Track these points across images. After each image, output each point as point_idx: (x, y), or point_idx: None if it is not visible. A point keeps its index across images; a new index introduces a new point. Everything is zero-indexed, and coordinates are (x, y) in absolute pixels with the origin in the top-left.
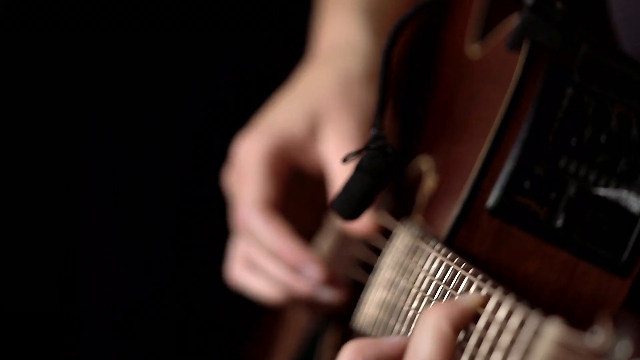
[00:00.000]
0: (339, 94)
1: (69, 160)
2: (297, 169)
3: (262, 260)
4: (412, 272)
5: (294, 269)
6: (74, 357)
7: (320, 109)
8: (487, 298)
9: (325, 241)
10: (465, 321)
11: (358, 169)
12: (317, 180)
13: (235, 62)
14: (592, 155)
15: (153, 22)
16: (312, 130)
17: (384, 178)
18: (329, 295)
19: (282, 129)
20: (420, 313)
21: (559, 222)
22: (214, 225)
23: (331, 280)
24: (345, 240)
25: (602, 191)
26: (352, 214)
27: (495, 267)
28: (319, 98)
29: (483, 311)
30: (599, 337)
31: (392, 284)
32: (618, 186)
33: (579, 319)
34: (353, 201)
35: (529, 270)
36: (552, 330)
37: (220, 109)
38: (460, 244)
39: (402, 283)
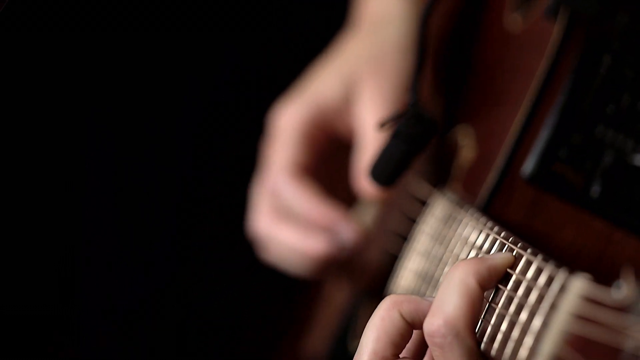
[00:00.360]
0: (375, 59)
1: (69, 160)
2: (335, 136)
3: (288, 230)
4: (449, 240)
5: (327, 230)
6: (74, 357)
7: (356, 74)
8: (516, 259)
9: (367, 211)
10: (493, 279)
11: (394, 136)
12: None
13: (235, 62)
14: (629, 124)
15: (153, 22)
16: (348, 96)
17: (420, 144)
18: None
19: (319, 97)
20: None
21: (595, 191)
22: (214, 226)
23: (363, 237)
24: (385, 214)
25: (638, 160)
26: (388, 180)
27: (531, 235)
28: (354, 65)
29: (512, 272)
30: (622, 290)
31: (429, 253)
32: None
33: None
34: (389, 167)
35: (565, 239)
36: (578, 285)
37: (220, 109)
38: (496, 212)
39: (439, 251)
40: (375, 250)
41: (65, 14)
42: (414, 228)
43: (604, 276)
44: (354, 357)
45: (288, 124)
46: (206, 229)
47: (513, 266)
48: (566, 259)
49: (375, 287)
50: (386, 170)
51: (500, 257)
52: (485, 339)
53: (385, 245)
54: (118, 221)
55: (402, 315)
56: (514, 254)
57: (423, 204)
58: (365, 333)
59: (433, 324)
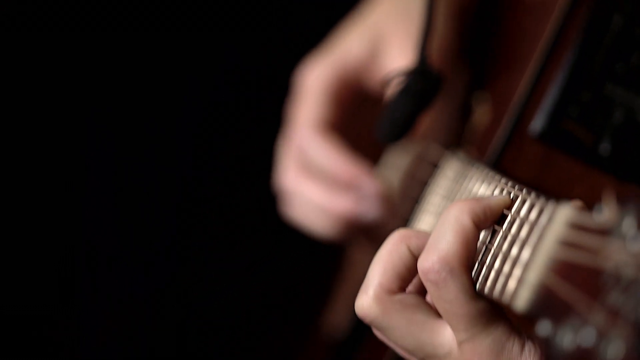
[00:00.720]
0: (401, 15)
1: (69, 160)
2: (362, 93)
3: (313, 186)
4: (459, 196)
5: (350, 186)
6: (74, 357)
7: (382, 30)
8: (513, 200)
9: (392, 177)
10: (488, 219)
11: (401, 92)
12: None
13: (235, 62)
14: (638, 82)
15: (153, 22)
16: (375, 51)
17: (425, 100)
18: (378, 213)
19: (346, 54)
20: None
21: (605, 148)
22: (214, 225)
23: (385, 196)
24: (406, 181)
25: None
26: (394, 136)
27: (541, 192)
28: (380, 21)
29: (508, 212)
30: (605, 213)
31: (439, 212)
32: None
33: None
34: (395, 123)
35: (574, 196)
36: (564, 212)
37: (220, 109)
38: (505, 169)
39: None
40: (395, 217)
41: (65, 13)
42: (426, 189)
43: None
44: (360, 290)
45: (315, 82)
46: (206, 229)
47: (509, 207)
48: None
49: None
50: (393, 126)
51: (496, 198)
52: (480, 279)
53: (402, 211)
54: (118, 221)
55: (409, 250)
56: (511, 196)
57: (436, 166)
58: (371, 266)
59: (427, 261)
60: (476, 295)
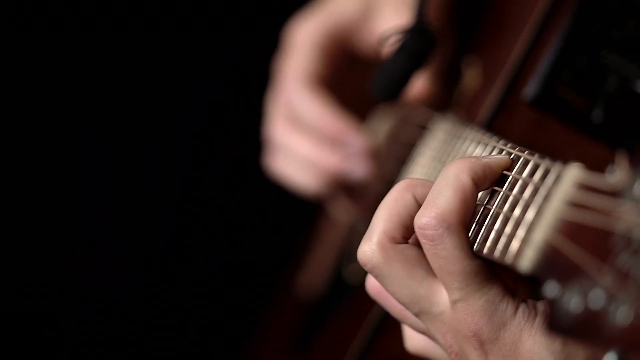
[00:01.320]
0: None
1: (69, 160)
2: (352, 53)
3: (301, 140)
4: (452, 157)
5: (336, 141)
6: (73, 357)
7: None
8: (513, 161)
9: (379, 133)
10: (488, 178)
11: (397, 50)
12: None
13: (235, 62)
14: (634, 50)
15: (153, 22)
16: (368, 12)
17: (421, 59)
18: (363, 170)
19: (337, 13)
20: None
21: (597, 115)
22: (214, 225)
23: (371, 154)
24: (392, 141)
25: None
26: (389, 94)
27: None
28: None
29: (508, 173)
30: (616, 175)
31: (429, 175)
32: None
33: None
34: (390, 81)
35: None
36: (572, 172)
37: (220, 109)
38: (497, 132)
39: (439, 169)
40: (379, 178)
41: (65, 13)
42: (415, 152)
43: None
44: (363, 237)
45: (305, 37)
46: (206, 229)
47: (510, 168)
48: None
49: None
50: (388, 83)
51: (496, 158)
52: (478, 239)
53: (387, 172)
54: (118, 221)
55: (415, 198)
56: (511, 157)
57: (425, 128)
58: (376, 214)
59: (424, 217)
60: (472, 254)
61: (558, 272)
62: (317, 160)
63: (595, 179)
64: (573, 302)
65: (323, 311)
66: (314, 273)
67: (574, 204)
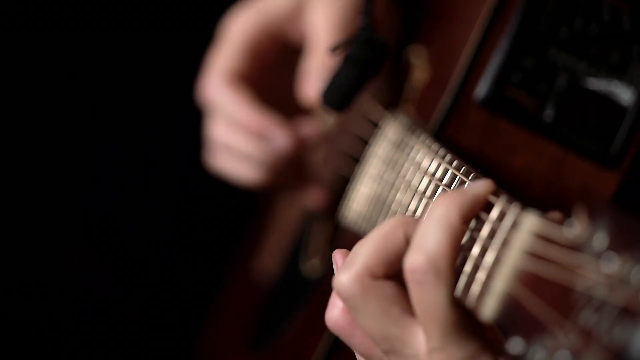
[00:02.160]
0: None
1: (69, 160)
2: (285, 43)
3: (231, 137)
4: (401, 165)
5: (260, 137)
6: (72, 357)
7: None
8: (494, 185)
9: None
10: (475, 211)
11: (346, 60)
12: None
13: None
14: (582, 47)
15: (153, 22)
16: (299, 3)
17: (372, 69)
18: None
19: (271, 5)
20: (411, 211)
21: (548, 114)
22: (214, 224)
23: (300, 141)
24: (336, 134)
25: (592, 83)
26: (341, 105)
27: (484, 160)
28: None
29: (495, 200)
30: (575, 228)
31: (381, 177)
32: (608, 78)
33: (568, 213)
34: (341, 92)
35: (517, 164)
36: (530, 222)
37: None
38: (449, 136)
39: (391, 176)
40: (327, 167)
41: (65, 13)
42: (366, 150)
43: (556, 205)
44: (344, 265)
45: (236, 31)
46: (206, 228)
47: (496, 193)
48: (518, 184)
49: (328, 209)
50: (338, 94)
51: (481, 187)
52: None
53: (337, 166)
54: (118, 220)
55: (406, 237)
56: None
57: (375, 125)
58: (362, 244)
59: (414, 260)
60: (456, 303)
61: (521, 326)
62: (247, 152)
63: (554, 230)
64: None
65: (282, 306)
66: (269, 260)
67: (534, 255)
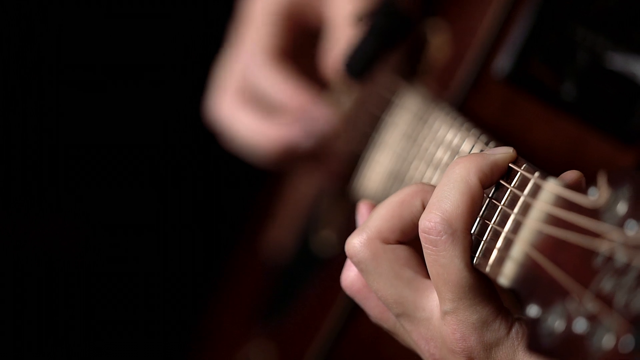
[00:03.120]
0: None
1: (69, 159)
2: (306, 26)
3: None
4: (423, 138)
5: (301, 114)
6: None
7: None
8: (516, 153)
9: (343, 103)
10: (495, 176)
11: (368, 30)
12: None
13: None
14: (605, 24)
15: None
16: None
17: (393, 40)
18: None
19: None
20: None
21: (569, 91)
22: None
23: (335, 125)
24: (357, 110)
25: (613, 60)
26: (361, 74)
27: (504, 133)
28: None
29: (516, 168)
30: (596, 195)
31: (400, 151)
32: (630, 55)
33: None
34: (362, 61)
35: (536, 139)
36: (551, 187)
37: None
38: (470, 109)
39: (412, 150)
40: (343, 145)
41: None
42: (382, 124)
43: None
44: (357, 229)
45: (264, 8)
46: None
47: (516, 161)
48: (537, 159)
49: (341, 185)
50: (359, 64)
51: (502, 153)
52: (474, 249)
53: (353, 141)
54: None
55: (423, 206)
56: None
57: (393, 99)
58: (377, 209)
59: (429, 220)
60: (471, 266)
61: (539, 291)
62: (272, 134)
63: (575, 196)
64: (555, 325)
65: (291, 283)
66: (280, 235)
67: (554, 220)
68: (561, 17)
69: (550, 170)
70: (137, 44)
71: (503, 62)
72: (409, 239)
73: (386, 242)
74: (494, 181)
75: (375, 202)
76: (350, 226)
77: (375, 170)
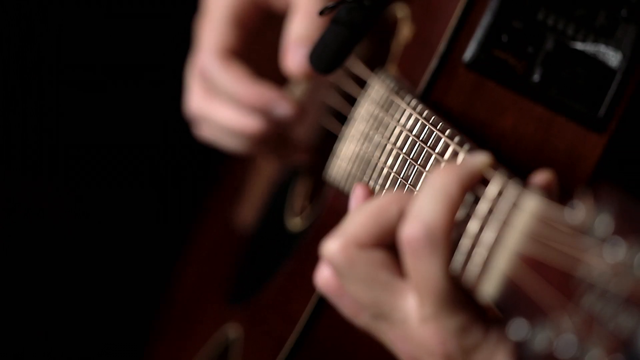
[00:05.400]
0: None
1: (68, 159)
2: (269, 11)
3: (220, 109)
4: (386, 127)
5: (259, 108)
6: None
7: None
8: (493, 159)
9: (297, 87)
10: (474, 184)
11: (334, 22)
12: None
13: None
14: (570, 9)
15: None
16: None
17: (361, 31)
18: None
19: None
20: (395, 172)
21: (536, 76)
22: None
23: (299, 111)
24: (317, 85)
25: (580, 45)
26: (328, 67)
27: (471, 121)
28: None
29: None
30: (579, 211)
31: (366, 138)
32: (596, 40)
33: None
34: (329, 54)
35: (505, 125)
36: (532, 204)
37: None
38: (436, 97)
39: (376, 138)
40: (307, 125)
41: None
42: (352, 109)
43: (546, 166)
44: (334, 232)
45: (220, 1)
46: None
47: (495, 166)
48: (506, 146)
49: (313, 165)
50: (326, 56)
51: (480, 159)
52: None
53: (319, 120)
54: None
55: (400, 214)
56: (458, 154)
57: (359, 82)
58: (355, 214)
59: (410, 229)
60: (452, 275)
61: (523, 308)
62: (241, 127)
63: (556, 214)
64: (539, 344)
65: (264, 260)
66: (248, 211)
67: (535, 238)
68: (527, 3)
69: (518, 157)
70: (137, 44)
71: (469, 48)
72: (384, 244)
73: (362, 247)
74: (472, 187)
75: (344, 186)
76: (324, 203)
77: (345, 152)
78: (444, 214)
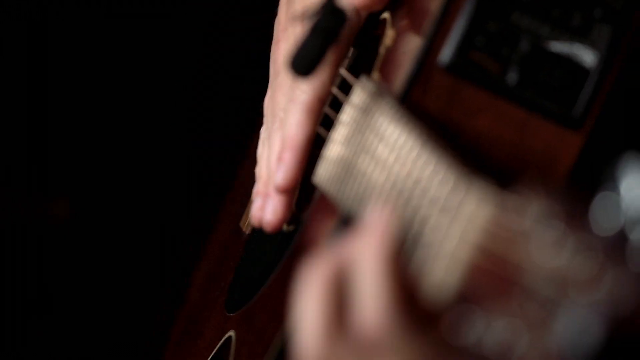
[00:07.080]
0: None
1: (68, 158)
2: None
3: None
4: (369, 131)
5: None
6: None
7: None
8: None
9: None
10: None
11: (312, 29)
12: None
13: (235, 61)
14: (544, 10)
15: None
16: None
17: (334, 36)
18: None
19: None
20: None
21: (512, 77)
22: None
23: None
24: None
25: (554, 46)
26: (306, 71)
27: (448, 123)
28: None
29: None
30: (527, 216)
31: (349, 142)
32: (571, 40)
33: (531, 175)
34: (305, 58)
35: (481, 126)
36: (483, 215)
37: (220, 108)
38: (414, 100)
39: (358, 140)
40: None
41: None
42: (339, 115)
43: (522, 166)
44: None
45: (281, 22)
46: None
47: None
48: (482, 147)
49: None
50: (303, 60)
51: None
52: None
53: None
54: (117, 218)
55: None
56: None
57: (343, 89)
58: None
59: (368, 330)
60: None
61: (468, 306)
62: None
63: (505, 218)
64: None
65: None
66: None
67: (479, 248)
68: (502, 5)
69: (495, 158)
70: (137, 44)
71: (445, 51)
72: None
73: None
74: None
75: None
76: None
77: (330, 154)
78: (394, 297)
